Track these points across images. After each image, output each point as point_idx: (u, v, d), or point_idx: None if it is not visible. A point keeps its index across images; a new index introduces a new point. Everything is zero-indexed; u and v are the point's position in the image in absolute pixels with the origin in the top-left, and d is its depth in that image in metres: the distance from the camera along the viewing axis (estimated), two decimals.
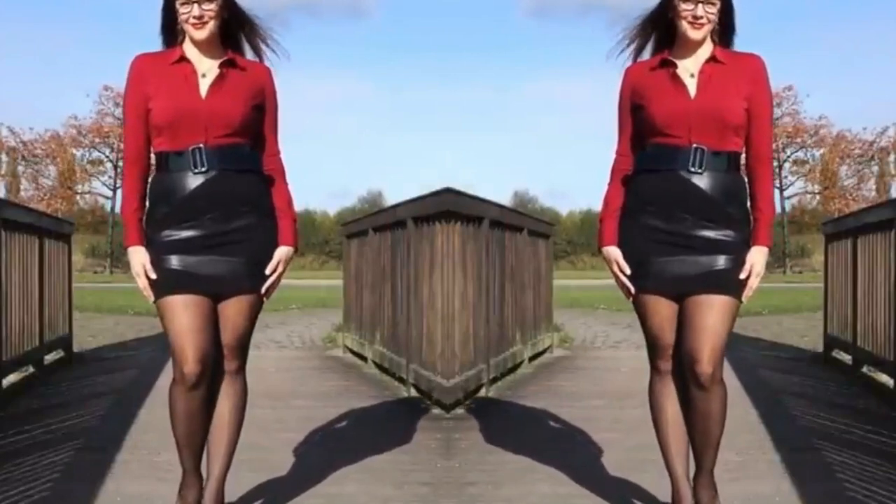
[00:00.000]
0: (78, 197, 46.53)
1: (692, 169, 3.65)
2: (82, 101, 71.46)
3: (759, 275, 3.70)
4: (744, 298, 3.71)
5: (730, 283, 3.67)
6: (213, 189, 3.66)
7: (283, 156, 3.85)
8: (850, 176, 46.34)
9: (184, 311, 3.65)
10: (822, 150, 46.27)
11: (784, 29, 60.11)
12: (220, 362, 3.75)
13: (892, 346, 7.02)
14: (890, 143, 44.92)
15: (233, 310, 3.73)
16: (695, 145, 3.65)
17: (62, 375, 8.13)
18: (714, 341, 3.64)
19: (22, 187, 44.69)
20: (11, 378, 7.42)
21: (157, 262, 3.68)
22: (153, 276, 3.68)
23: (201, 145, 3.65)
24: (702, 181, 3.65)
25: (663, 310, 3.73)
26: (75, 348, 9.64)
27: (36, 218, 8.28)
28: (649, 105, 3.69)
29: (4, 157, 44.54)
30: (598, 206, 3.88)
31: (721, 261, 3.67)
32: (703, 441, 3.75)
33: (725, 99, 3.65)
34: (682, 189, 3.66)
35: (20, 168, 45.01)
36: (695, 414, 3.73)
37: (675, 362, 3.75)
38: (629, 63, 3.82)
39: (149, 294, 3.72)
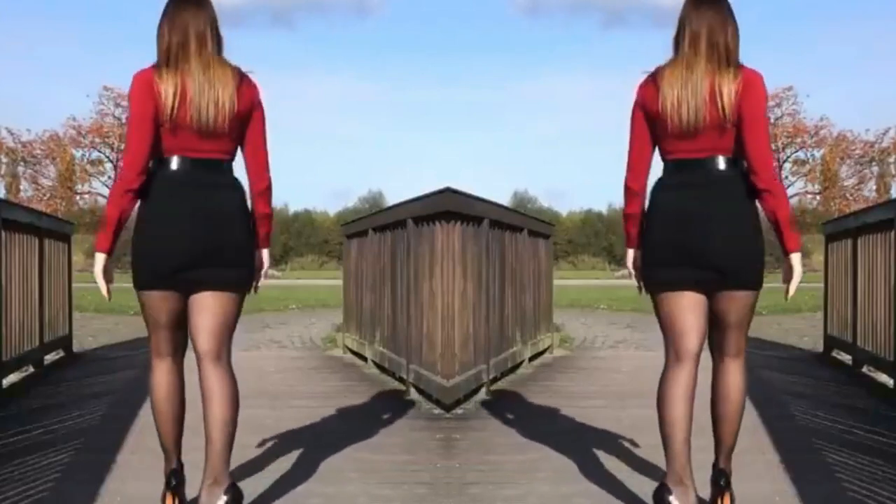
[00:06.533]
0: (78, 197, 46.54)
1: None
2: (81, 101, 71.45)
3: None
4: None
5: None
6: None
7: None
8: (850, 176, 46.36)
9: None
10: (822, 151, 46.33)
11: (787, 29, 60.08)
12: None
13: (892, 346, 7.02)
14: (892, 143, 44.94)
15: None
16: None
17: (62, 375, 8.12)
18: None
19: (21, 188, 44.73)
20: (11, 378, 7.42)
21: None
22: None
23: None
24: None
25: None
26: (75, 348, 9.64)
27: (36, 218, 8.29)
28: None
29: (3, 158, 44.57)
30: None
31: None
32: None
33: None
34: None
35: (20, 169, 45.03)
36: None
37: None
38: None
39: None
